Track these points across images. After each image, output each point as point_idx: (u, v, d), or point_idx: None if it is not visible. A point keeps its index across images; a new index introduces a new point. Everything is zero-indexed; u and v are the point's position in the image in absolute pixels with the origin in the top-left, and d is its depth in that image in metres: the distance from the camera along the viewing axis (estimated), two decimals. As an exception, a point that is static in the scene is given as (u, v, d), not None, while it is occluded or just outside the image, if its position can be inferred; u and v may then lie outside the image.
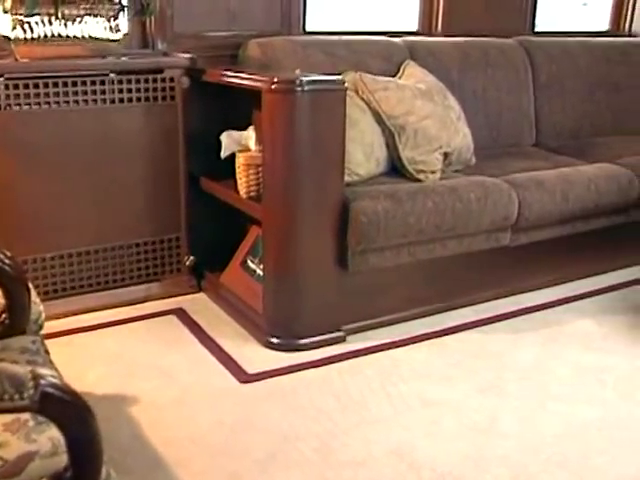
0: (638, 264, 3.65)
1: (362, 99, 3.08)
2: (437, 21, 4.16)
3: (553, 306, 3.31)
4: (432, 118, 3.11)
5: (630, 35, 4.88)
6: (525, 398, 2.57)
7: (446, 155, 3.16)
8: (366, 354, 2.83)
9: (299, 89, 2.58)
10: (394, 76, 3.39)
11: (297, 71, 2.95)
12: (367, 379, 2.65)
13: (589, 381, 2.70)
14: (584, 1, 5.00)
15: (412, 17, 4.17)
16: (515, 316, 3.19)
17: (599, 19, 4.95)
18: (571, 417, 2.47)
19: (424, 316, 3.11)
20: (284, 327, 2.85)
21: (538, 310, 3.26)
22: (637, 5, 4.86)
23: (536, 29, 4.52)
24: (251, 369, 2.70)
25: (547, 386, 2.66)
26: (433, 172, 3.07)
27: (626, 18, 4.93)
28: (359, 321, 2.96)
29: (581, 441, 2.33)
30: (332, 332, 2.88)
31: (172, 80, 3.08)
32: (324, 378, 2.65)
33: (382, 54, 3.50)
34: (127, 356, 2.78)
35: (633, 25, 4.91)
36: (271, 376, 2.66)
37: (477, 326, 3.08)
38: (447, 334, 3.01)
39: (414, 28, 4.16)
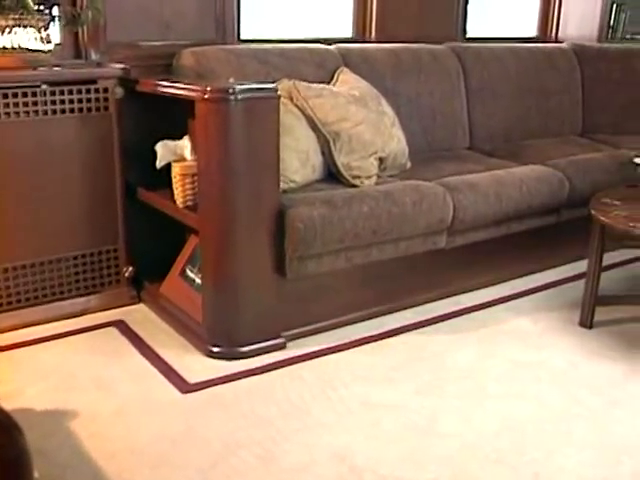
0: (571, 262, 3.74)
1: (297, 106, 3.10)
2: (371, 28, 4.21)
3: (491, 305, 3.37)
4: (366, 124, 3.15)
5: (557, 41, 5.01)
6: (464, 397, 2.61)
7: (381, 160, 3.20)
8: (307, 360, 2.84)
9: (232, 98, 2.59)
10: (328, 83, 3.42)
11: (231, 80, 2.96)
12: (308, 385, 2.66)
13: (526, 378, 2.76)
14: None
15: (346, 24, 4.21)
16: (455, 316, 3.24)
17: (528, 26, 5.08)
18: (509, 414, 2.52)
19: (364, 320, 3.13)
20: (224, 336, 2.84)
21: (477, 310, 3.32)
22: (562, 12, 5.00)
23: (467, 35, 4.62)
24: (192, 379, 2.69)
25: (485, 384, 2.71)
26: (369, 177, 3.11)
27: (552, 25, 5.07)
28: (299, 327, 2.97)
29: (518, 437, 2.38)
30: (272, 339, 2.88)
31: (106, 91, 3.05)
32: (265, 385, 2.65)
33: (316, 61, 3.53)
34: (67, 370, 2.74)
35: (559, 32, 5.05)
36: (212, 385, 2.65)
37: (417, 328, 3.12)
38: (388, 337, 3.04)
39: (349, 34, 4.21)
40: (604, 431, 2.44)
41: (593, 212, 2.98)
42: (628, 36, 5.06)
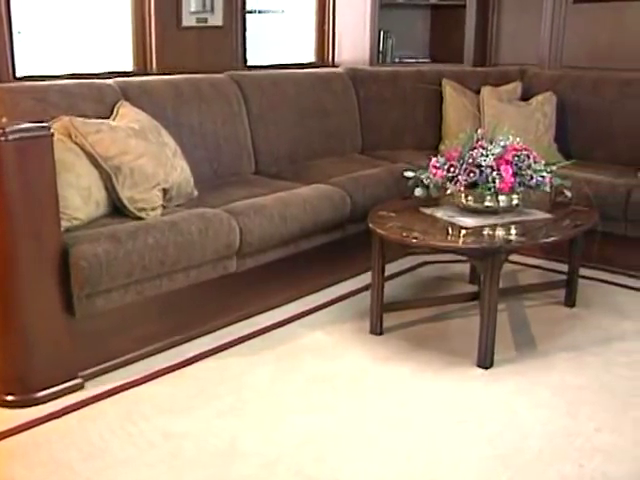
0: (361, 273, 3.91)
1: (76, 143, 3.06)
2: (151, 60, 4.24)
3: (288, 323, 3.48)
4: (147, 156, 3.16)
5: (334, 66, 5.27)
6: (264, 416, 2.69)
7: (165, 191, 3.23)
8: (106, 397, 2.80)
9: (3, 139, 2.52)
10: (108, 117, 3.40)
11: (3, 120, 2.88)
12: (108, 423, 2.63)
13: (322, 389, 2.88)
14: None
15: (127, 57, 4.21)
16: (253, 337, 3.32)
17: (306, 52, 5.31)
18: (308, 426, 2.62)
19: (163, 350, 3.13)
20: (17, 383, 2.74)
21: (274, 329, 3.41)
22: (336, 39, 5.28)
23: (248, 63, 4.75)
24: (-14, 432, 2.58)
25: (284, 400, 2.80)
26: (154, 209, 3.13)
27: (328, 51, 5.33)
28: (96, 365, 2.93)
29: (318, 448, 2.49)
30: (68, 380, 2.81)
31: None
32: (64, 429, 2.59)
33: (95, 96, 3.50)
34: None
35: (335, 57, 5.32)
36: (9, 436, 2.55)
37: (216, 353, 3.16)
38: (187, 365, 3.06)
39: (129, 68, 4.21)
40: (395, 431, 2.60)
41: (371, 225, 3.17)
42: (396, 59, 5.42)
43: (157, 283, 2.98)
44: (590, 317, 3.58)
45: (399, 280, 4.04)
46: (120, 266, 2.77)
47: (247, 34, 4.73)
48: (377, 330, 3.33)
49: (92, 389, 2.85)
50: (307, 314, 3.58)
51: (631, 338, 3.35)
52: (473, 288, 3.75)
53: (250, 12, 4.80)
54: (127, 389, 2.87)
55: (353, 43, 5.25)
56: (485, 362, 3.03)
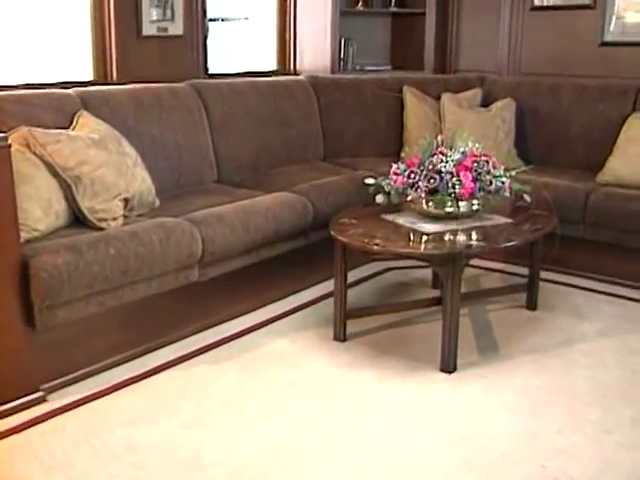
0: (325, 280, 3.90)
1: (35, 154, 3.03)
2: (111, 69, 4.21)
3: (252, 331, 3.47)
4: (108, 166, 3.15)
5: (296, 74, 5.29)
6: (228, 425, 2.68)
7: (126, 201, 3.22)
8: (69, 410, 2.78)
9: (-41, 150, 2.50)
10: (68, 128, 3.37)
11: (-41, 131, 2.85)
12: (71, 435, 2.60)
13: (286, 397, 2.88)
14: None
15: (87, 66, 4.19)
16: (217, 346, 3.31)
17: (268, 60, 5.32)
18: (272, 434, 2.62)
19: (127, 361, 3.11)
20: (-23, 398, 2.71)
21: (238, 337, 3.40)
22: (298, 47, 5.30)
23: (210, 72, 4.74)
24: (-54, 449, 2.54)
25: (248, 409, 2.79)
26: (115, 219, 3.11)
27: (290, 59, 5.35)
28: (59, 378, 2.90)
29: (283, 454, 2.50)
30: (30, 394, 2.78)
31: None
32: (26, 443, 2.56)
33: (54, 106, 3.46)
34: None
35: (297, 64, 5.34)
36: (-31, 452, 2.53)
37: (180, 362, 3.15)
38: (150, 376, 3.04)
39: (89, 77, 4.18)
40: (360, 437, 2.61)
41: (333, 233, 3.18)
42: (357, 67, 5.45)
43: (119, 293, 2.96)
44: (551, 319, 3.63)
45: (363, 286, 4.06)
46: (81, 277, 2.75)
47: (211, 42, 4.73)
48: (341, 337, 3.34)
49: (54, 402, 2.82)
50: (271, 322, 3.58)
51: (591, 339, 3.41)
52: (436, 293, 3.78)
53: (214, 20, 4.80)
54: (90, 401, 2.84)
55: (314, 51, 5.27)
56: (448, 366, 3.06)
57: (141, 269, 2.97)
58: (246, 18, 5.20)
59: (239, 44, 5.18)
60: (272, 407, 2.81)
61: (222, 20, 4.96)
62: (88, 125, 3.37)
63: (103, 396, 2.88)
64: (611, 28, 4.90)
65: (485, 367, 3.12)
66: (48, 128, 3.20)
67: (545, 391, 2.93)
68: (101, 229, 3.05)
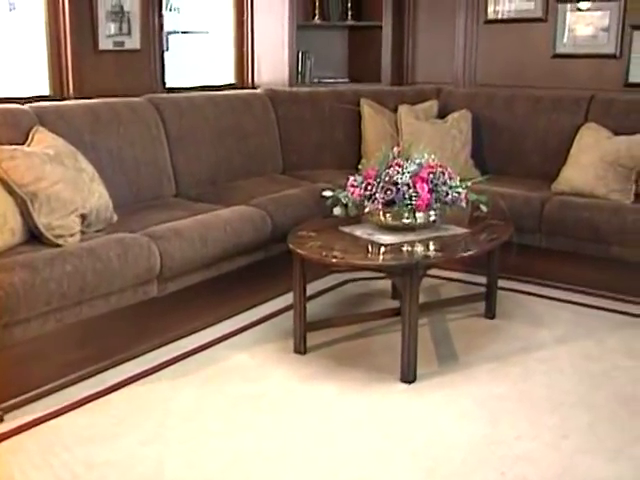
0: (285, 293, 3.88)
1: (-11, 170, 3.01)
2: (68, 84, 4.17)
3: (212, 345, 3.46)
4: (64, 182, 3.12)
5: (253, 87, 5.30)
6: (189, 440, 2.67)
7: (83, 217, 3.19)
8: (27, 429, 2.73)
9: None
10: (23, 143, 3.34)
11: None
12: (29, 455, 2.57)
13: (247, 411, 2.88)
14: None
15: (43, 81, 4.15)
16: (176, 362, 3.29)
17: (227, 73, 5.32)
18: (233, 449, 2.62)
19: (85, 379, 3.08)
20: None
21: (198, 352, 3.39)
22: (256, 60, 5.31)
23: (168, 86, 4.73)
24: None
25: (209, 424, 2.78)
26: (72, 235, 3.09)
27: (248, 72, 5.36)
28: (15, 397, 2.86)
29: (244, 469, 2.49)
30: (-14, 414, 2.75)
31: None
32: (-18, 464, 2.53)
33: (9, 122, 3.43)
34: None
35: (255, 78, 5.35)
36: None
37: (139, 379, 3.12)
38: (110, 392, 3.01)
39: (46, 92, 4.15)
40: (321, 449, 2.62)
41: (291, 245, 3.19)
42: (315, 80, 5.48)
43: (77, 310, 2.94)
44: (509, 327, 3.67)
45: (323, 298, 4.07)
46: (38, 295, 2.73)
47: (171, 56, 4.72)
48: (301, 349, 3.35)
49: (12, 422, 2.78)
50: (231, 336, 3.57)
51: (548, 346, 3.45)
52: (395, 304, 3.80)
53: (173, 33, 4.79)
54: (48, 420, 2.80)
55: (272, 64, 5.28)
56: (408, 377, 3.08)
57: (99, 285, 2.95)
58: (206, 31, 5.20)
59: (200, 57, 5.18)
60: (233, 421, 2.80)
61: (182, 33, 4.95)
62: (44, 141, 3.35)
63: (62, 414, 2.84)
64: (564, 40, 5.00)
65: (445, 376, 3.15)
66: (3, 144, 3.17)
67: (504, 399, 2.97)
68: (58, 246, 3.02)
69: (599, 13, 4.86)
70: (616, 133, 4.27)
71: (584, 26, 4.92)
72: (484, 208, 3.47)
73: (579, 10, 4.93)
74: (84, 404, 2.92)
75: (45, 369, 2.97)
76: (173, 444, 2.64)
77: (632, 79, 4.78)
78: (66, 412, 2.86)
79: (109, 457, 2.55)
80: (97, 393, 3.00)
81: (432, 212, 3.27)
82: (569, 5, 4.95)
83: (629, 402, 2.94)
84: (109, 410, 2.88)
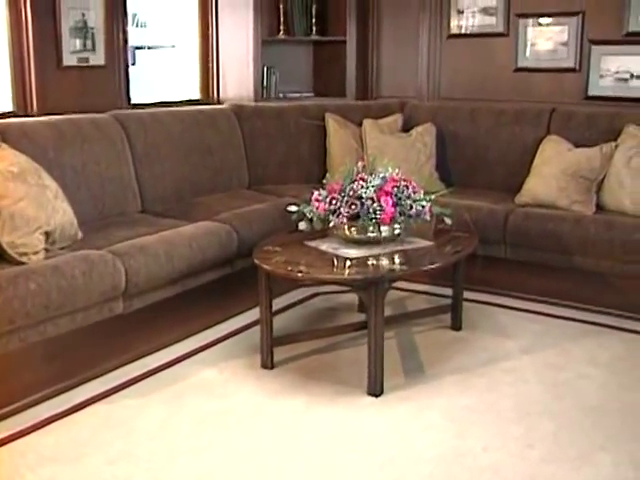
0: (252, 308, 3.87)
1: (-50, 189, 2.98)
2: (31, 100, 4.14)
3: (178, 362, 3.45)
4: (28, 199, 3.10)
5: (219, 102, 5.30)
6: (155, 458, 2.65)
7: (48, 234, 3.16)
8: (-10, 450, 2.71)
9: None
10: (-15, 161, 3.32)
11: None
12: (-8, 477, 2.55)
13: (214, 428, 2.87)
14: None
15: (6, 97, 4.12)
16: (142, 379, 3.27)
17: (192, 89, 5.32)
18: (200, 466, 2.61)
19: (49, 398, 3.05)
20: None
21: (165, 369, 3.37)
22: (221, 76, 5.32)
23: (133, 102, 4.71)
24: None
25: (175, 441, 2.77)
26: (36, 253, 3.06)
27: (213, 87, 5.36)
28: (-22, 418, 2.83)
29: (209, 486, 2.49)
30: (-52, 436, 2.71)
31: None
32: (-56, 487, 2.50)
33: (-30, 140, 3.41)
34: None
35: (221, 93, 5.36)
36: None
37: (105, 397, 3.10)
38: (75, 411, 2.98)
39: (9, 108, 4.11)
40: (288, 464, 2.62)
41: (256, 261, 3.19)
42: (281, 95, 5.49)
43: (41, 329, 2.91)
44: (476, 339, 3.71)
45: (290, 313, 4.07)
46: (1, 313, 2.70)
47: (138, 70, 4.70)
48: (268, 364, 3.35)
49: (-26, 443, 2.76)
50: (198, 352, 3.56)
51: (514, 357, 3.49)
52: (362, 317, 3.80)
53: (139, 48, 4.77)
54: (13, 440, 2.77)
55: (238, 79, 5.30)
56: (375, 390, 3.09)
57: (64, 303, 2.93)
58: (173, 46, 5.19)
59: (167, 72, 5.16)
60: (200, 439, 2.79)
61: (148, 48, 4.94)
62: (7, 158, 3.31)
63: (26, 435, 2.81)
64: (526, 54, 5.07)
65: (411, 389, 3.17)
66: (-36, 162, 3.15)
67: (470, 410, 2.99)
68: (22, 263, 2.99)
69: (558, 28, 4.95)
70: (577, 145, 4.34)
71: (544, 40, 5.01)
72: (448, 221, 3.50)
73: (539, 25, 5.01)
74: (49, 424, 2.89)
75: (8, 389, 2.93)
76: (140, 463, 2.62)
77: (591, 92, 4.86)
78: (31, 432, 2.83)
79: (75, 477, 2.53)
80: (62, 412, 2.97)
81: (397, 225, 3.29)
82: (530, 20, 5.04)
83: (593, 411, 2.98)
84: (74, 429, 2.86)
